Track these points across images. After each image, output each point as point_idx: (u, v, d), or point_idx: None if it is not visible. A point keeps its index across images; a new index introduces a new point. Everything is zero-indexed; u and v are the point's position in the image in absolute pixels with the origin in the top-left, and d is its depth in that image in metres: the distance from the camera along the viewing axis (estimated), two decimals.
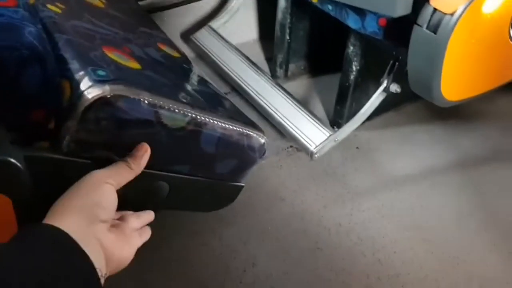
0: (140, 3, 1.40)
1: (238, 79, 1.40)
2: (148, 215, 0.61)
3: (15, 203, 0.51)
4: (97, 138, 0.58)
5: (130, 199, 0.66)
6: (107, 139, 0.59)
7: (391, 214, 1.09)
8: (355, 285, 0.94)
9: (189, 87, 0.80)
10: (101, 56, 0.65)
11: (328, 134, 1.14)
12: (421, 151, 1.28)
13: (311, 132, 1.16)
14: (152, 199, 0.69)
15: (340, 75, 1.29)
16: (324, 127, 1.17)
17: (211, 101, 0.79)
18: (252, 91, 1.35)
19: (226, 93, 1.42)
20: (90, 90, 0.56)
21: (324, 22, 1.32)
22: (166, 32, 1.01)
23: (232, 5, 1.61)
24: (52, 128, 0.57)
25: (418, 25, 0.86)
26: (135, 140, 0.62)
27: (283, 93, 1.31)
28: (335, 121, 1.35)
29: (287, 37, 1.48)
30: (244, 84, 1.38)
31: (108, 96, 0.56)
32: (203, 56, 1.51)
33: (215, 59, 1.47)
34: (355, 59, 1.22)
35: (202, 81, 0.89)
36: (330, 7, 1.11)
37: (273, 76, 1.54)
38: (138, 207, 0.66)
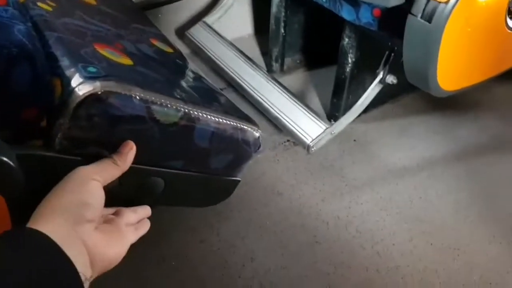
0: (134, 0, 1.39)
1: (234, 74, 1.40)
2: (145, 210, 0.61)
3: (8, 201, 0.51)
4: (89, 135, 0.58)
5: (125, 195, 0.66)
6: (100, 135, 0.59)
7: (389, 207, 1.09)
8: (354, 278, 0.94)
9: (182, 83, 0.80)
10: (92, 53, 0.64)
11: (324, 127, 1.13)
12: (419, 142, 1.28)
13: (308, 126, 1.15)
14: (147, 196, 0.69)
15: (336, 67, 1.29)
16: (320, 120, 1.17)
17: (205, 96, 0.79)
18: (248, 86, 1.35)
19: (222, 89, 1.41)
20: (81, 86, 0.55)
21: (319, 14, 1.31)
22: (161, 28, 1.00)
23: (226, 0, 1.60)
24: (44, 126, 0.56)
25: (413, 14, 0.85)
26: (128, 136, 0.61)
27: (279, 88, 1.31)
28: (332, 114, 1.35)
29: (282, 30, 1.47)
30: (240, 79, 1.38)
31: (99, 93, 0.55)
32: (198, 52, 1.51)
33: (210, 54, 1.47)
34: (350, 51, 1.21)
35: (196, 76, 0.89)
36: None
37: (269, 70, 1.54)
38: (134, 204, 0.66)
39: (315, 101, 1.44)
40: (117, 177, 0.54)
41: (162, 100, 0.62)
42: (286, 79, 1.50)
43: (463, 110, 1.39)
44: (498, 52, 1.00)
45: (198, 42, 1.50)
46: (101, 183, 0.51)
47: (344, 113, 1.22)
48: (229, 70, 1.41)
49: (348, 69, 1.25)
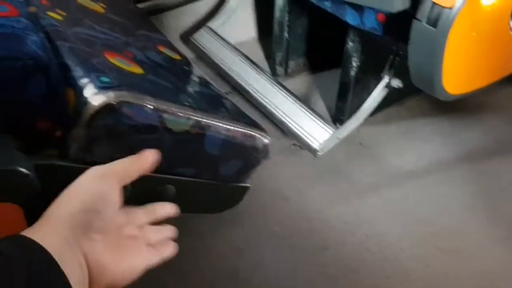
0: (138, 5, 1.40)
1: (239, 78, 1.41)
2: (169, 230, 0.53)
3: (26, 211, 0.51)
4: (103, 144, 0.58)
5: (135, 204, 0.66)
6: (113, 144, 0.59)
7: (397, 210, 1.09)
8: (364, 284, 0.94)
9: (191, 90, 0.80)
10: (103, 62, 0.65)
11: (331, 132, 1.14)
12: (425, 145, 1.28)
13: (314, 130, 1.16)
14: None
15: (340, 71, 1.29)
16: (326, 124, 1.17)
17: (213, 103, 0.79)
18: (253, 90, 1.35)
19: (226, 93, 1.42)
20: (94, 97, 0.56)
21: (322, 18, 1.32)
22: (166, 34, 1.01)
23: (229, 5, 1.61)
24: (59, 136, 0.57)
25: (417, 19, 0.86)
26: (140, 144, 0.62)
27: (284, 91, 1.32)
28: (337, 118, 1.35)
29: (286, 35, 1.48)
30: (245, 84, 1.39)
31: (113, 103, 0.56)
32: (203, 57, 1.51)
33: (214, 59, 1.48)
34: (354, 54, 1.22)
35: (203, 82, 0.89)
36: (328, 4, 1.10)
37: (273, 74, 1.54)
38: None
39: (320, 104, 1.44)
40: (135, 178, 0.49)
41: (174, 109, 0.63)
42: (290, 83, 1.51)
43: (468, 113, 1.39)
44: (503, 55, 1.01)
45: (203, 47, 1.51)
46: (117, 184, 0.46)
47: (349, 117, 1.22)
48: (234, 74, 1.42)
49: (352, 73, 1.25)
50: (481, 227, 1.07)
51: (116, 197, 0.45)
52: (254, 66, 1.43)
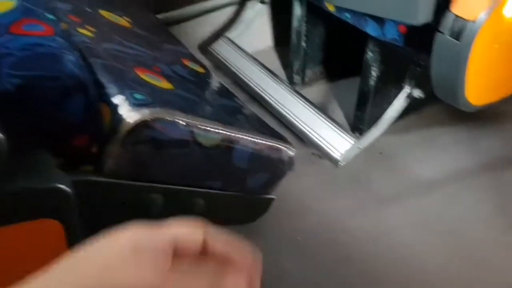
0: (157, 16, 1.42)
1: (257, 88, 1.42)
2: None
3: (65, 226, 0.53)
4: (137, 159, 0.60)
5: (167, 217, 0.67)
6: (146, 159, 0.61)
7: (419, 220, 1.09)
8: None
9: (217, 103, 0.82)
10: (135, 79, 0.67)
11: (352, 142, 1.14)
12: (444, 154, 1.28)
13: (335, 140, 1.17)
14: (188, 216, 0.71)
15: (359, 80, 1.30)
16: (347, 134, 1.18)
17: (239, 115, 0.81)
18: (272, 100, 1.36)
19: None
20: (130, 114, 0.57)
21: (339, 27, 1.33)
22: (184, 44, 1.03)
23: (247, 15, 1.63)
24: (94, 152, 0.59)
25: (440, 32, 0.86)
26: (172, 159, 0.64)
27: (302, 101, 1.32)
28: (355, 127, 1.36)
29: (303, 44, 1.49)
30: (263, 93, 1.40)
31: (147, 120, 0.58)
32: (221, 66, 1.53)
33: (233, 69, 1.49)
34: (374, 64, 1.23)
35: (227, 94, 0.91)
36: (348, 15, 1.11)
37: (291, 82, 1.55)
38: None
39: (338, 113, 1.45)
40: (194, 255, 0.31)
41: (204, 124, 0.64)
42: (308, 91, 1.51)
43: (487, 121, 1.38)
44: None
45: (221, 57, 1.53)
46: (162, 263, 0.28)
47: (368, 125, 1.23)
48: (252, 83, 1.43)
49: (372, 82, 1.26)
50: (504, 236, 1.06)
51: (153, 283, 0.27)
52: (272, 75, 1.44)
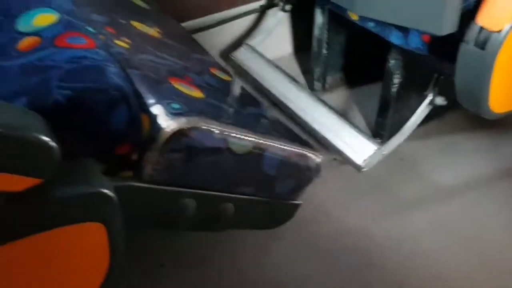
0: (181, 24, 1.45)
1: (278, 94, 1.44)
2: None
3: (108, 228, 0.56)
4: (173, 166, 0.63)
5: (200, 220, 0.70)
6: (182, 166, 0.64)
7: (441, 226, 1.10)
8: None
9: (245, 111, 0.85)
10: (171, 89, 0.70)
11: (375, 148, 1.16)
12: (465, 160, 1.28)
13: (358, 146, 1.18)
14: (217, 221, 0.73)
15: (381, 87, 1.31)
16: (370, 140, 1.19)
17: (266, 122, 0.83)
18: (294, 106, 1.38)
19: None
20: (168, 123, 0.61)
21: (360, 34, 1.34)
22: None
23: (268, 23, 1.66)
24: (135, 159, 0.62)
25: (465, 42, 0.88)
26: (206, 165, 0.66)
27: (324, 107, 1.34)
28: (377, 133, 1.37)
29: (324, 51, 1.51)
30: (285, 99, 1.42)
31: (184, 128, 0.61)
32: (243, 73, 1.56)
33: (254, 75, 1.52)
34: (396, 72, 1.24)
35: (253, 102, 0.94)
36: (371, 24, 1.13)
37: (311, 89, 1.57)
38: (203, 230, 0.70)
39: (359, 119, 1.46)
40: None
41: (236, 132, 0.67)
42: (328, 98, 1.53)
43: (508, 129, 1.38)
44: None
45: (243, 64, 1.55)
46: None
47: (390, 132, 1.24)
48: (274, 90, 1.46)
49: (394, 89, 1.27)
50: None
51: None
52: (293, 82, 1.46)
